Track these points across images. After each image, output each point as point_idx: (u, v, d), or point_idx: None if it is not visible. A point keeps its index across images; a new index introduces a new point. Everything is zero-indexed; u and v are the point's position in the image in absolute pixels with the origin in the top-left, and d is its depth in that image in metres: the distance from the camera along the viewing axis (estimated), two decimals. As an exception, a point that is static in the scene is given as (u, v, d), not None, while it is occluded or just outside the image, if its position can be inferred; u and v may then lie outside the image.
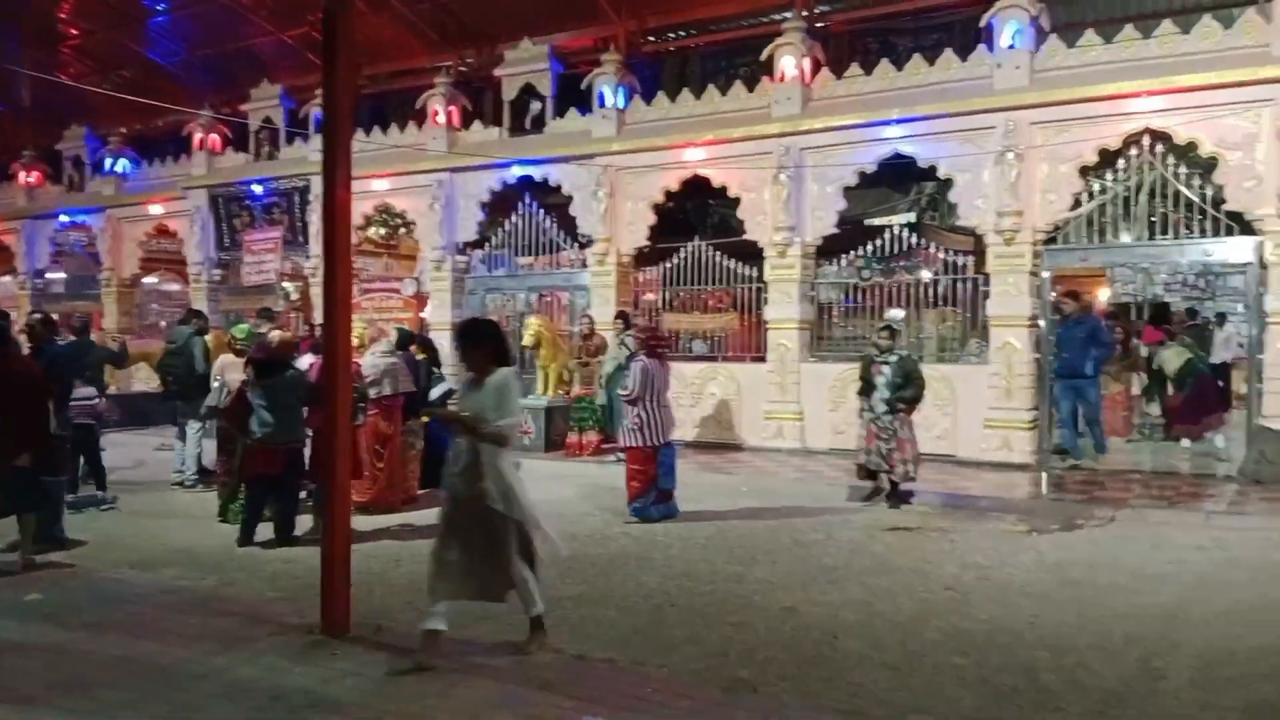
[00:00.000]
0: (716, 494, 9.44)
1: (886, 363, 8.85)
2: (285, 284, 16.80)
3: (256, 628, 5.27)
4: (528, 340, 12.41)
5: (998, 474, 10.42)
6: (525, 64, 14.59)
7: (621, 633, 5.23)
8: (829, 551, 7.09)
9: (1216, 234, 10.35)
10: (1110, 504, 8.68)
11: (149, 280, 19.52)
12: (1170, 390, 12.39)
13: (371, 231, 16.58)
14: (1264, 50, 9.97)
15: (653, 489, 8.20)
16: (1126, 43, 10.73)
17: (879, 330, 9.28)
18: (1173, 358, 11.48)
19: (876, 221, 16.00)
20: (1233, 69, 10.00)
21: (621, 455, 9.20)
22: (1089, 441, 11.01)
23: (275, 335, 8.38)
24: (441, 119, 14.98)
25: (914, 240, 12.08)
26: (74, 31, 20.66)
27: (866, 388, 9.02)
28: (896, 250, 11.91)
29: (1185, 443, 11.61)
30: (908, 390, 8.81)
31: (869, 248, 12.07)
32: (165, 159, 18.42)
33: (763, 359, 12.58)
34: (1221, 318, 15.11)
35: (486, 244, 15.11)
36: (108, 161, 18.78)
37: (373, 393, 8.43)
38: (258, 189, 16.56)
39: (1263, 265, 10.00)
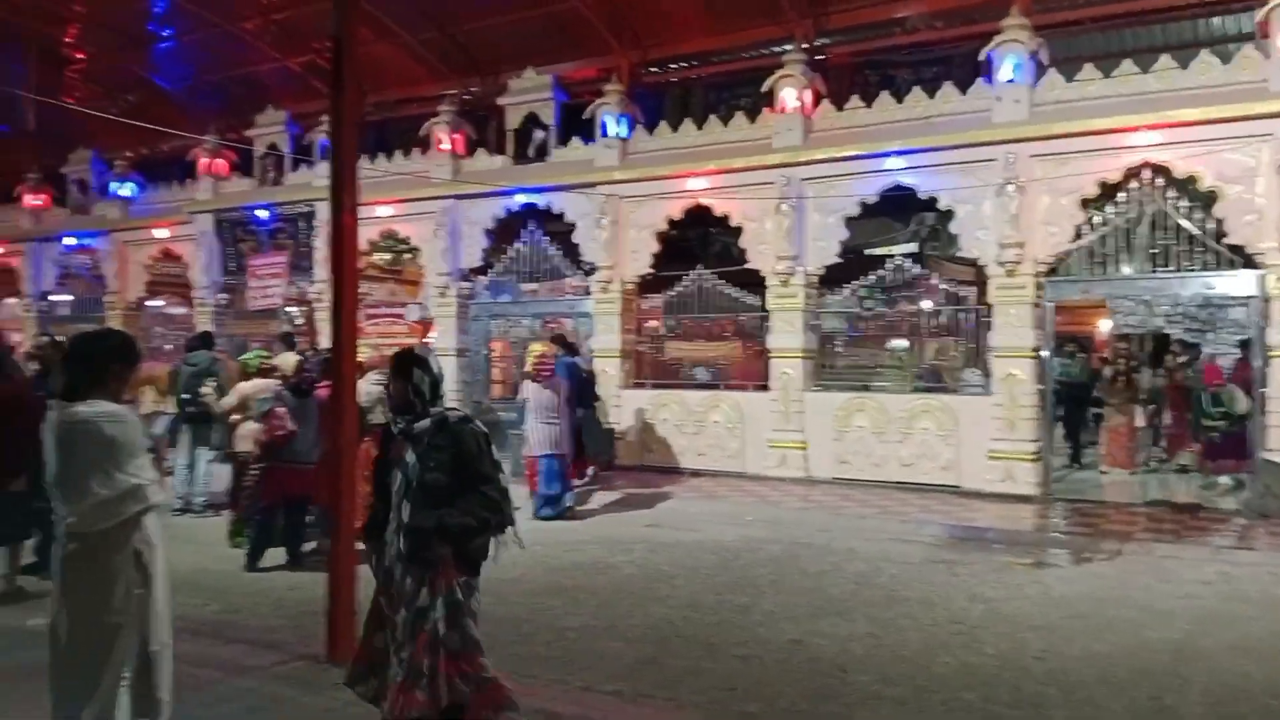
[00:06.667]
0: (720, 522, 9.43)
1: (412, 435, 3.91)
2: (290, 309, 16.82)
3: (261, 656, 5.25)
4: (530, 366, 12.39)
5: (1002, 505, 10.38)
6: (529, 93, 14.70)
7: (627, 664, 5.21)
8: (836, 583, 7.07)
9: (1217, 267, 10.40)
10: (1116, 537, 8.65)
11: (153, 304, 19.53)
12: (1201, 425, 12.21)
13: (376, 257, 16.63)
14: (1262, 85, 10.05)
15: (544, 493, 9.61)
16: (1125, 77, 10.83)
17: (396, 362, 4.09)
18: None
19: (878, 251, 16.06)
20: (1231, 104, 10.06)
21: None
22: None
23: (290, 359, 8.47)
24: (446, 146, 15.07)
25: (915, 270, 12.13)
26: (80, 56, 20.77)
27: (380, 505, 4.03)
28: (898, 280, 11.97)
29: (1225, 479, 11.27)
30: (474, 514, 3.80)
31: (871, 277, 12.11)
32: (171, 183, 18.50)
33: (765, 387, 12.59)
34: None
35: (490, 270, 15.17)
36: (113, 185, 18.86)
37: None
38: (263, 214, 16.60)
39: (1265, 299, 10.05)
